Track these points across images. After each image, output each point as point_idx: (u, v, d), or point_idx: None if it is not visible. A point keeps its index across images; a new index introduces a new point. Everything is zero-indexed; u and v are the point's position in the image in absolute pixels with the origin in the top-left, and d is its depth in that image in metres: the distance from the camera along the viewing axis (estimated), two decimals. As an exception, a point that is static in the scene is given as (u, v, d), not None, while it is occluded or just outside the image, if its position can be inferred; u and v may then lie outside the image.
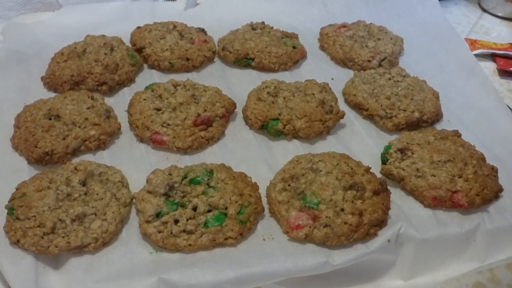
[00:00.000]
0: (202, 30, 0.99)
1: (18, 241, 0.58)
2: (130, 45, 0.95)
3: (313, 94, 0.81)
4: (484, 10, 1.30)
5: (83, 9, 1.01)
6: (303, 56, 0.97)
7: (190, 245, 0.59)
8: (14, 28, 0.95)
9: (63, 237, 0.58)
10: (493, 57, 1.10)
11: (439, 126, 0.83)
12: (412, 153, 0.71)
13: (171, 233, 0.60)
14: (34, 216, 0.59)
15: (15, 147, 0.72)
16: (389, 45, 0.96)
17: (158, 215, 0.61)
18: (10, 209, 0.60)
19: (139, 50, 0.93)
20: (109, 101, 0.82)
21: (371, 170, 0.69)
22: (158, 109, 0.77)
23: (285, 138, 0.78)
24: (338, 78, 0.93)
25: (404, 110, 0.80)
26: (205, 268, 0.57)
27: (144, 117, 0.75)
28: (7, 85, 0.83)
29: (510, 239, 0.67)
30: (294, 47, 0.96)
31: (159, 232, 0.60)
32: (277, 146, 0.77)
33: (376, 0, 1.14)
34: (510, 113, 0.88)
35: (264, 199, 0.67)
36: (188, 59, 0.91)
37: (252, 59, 0.93)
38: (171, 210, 0.62)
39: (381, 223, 0.63)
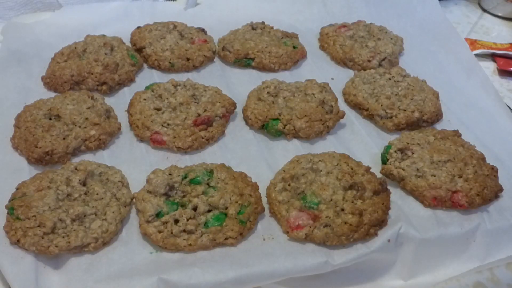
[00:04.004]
0: (202, 30, 0.99)
1: (18, 241, 0.58)
2: (130, 45, 0.95)
3: (313, 94, 0.81)
4: (484, 10, 1.30)
5: (83, 9, 1.01)
6: (303, 56, 0.97)
7: (190, 245, 0.59)
8: (14, 28, 0.95)
9: (63, 237, 0.58)
10: (493, 57, 1.09)
11: (439, 126, 0.83)
12: (412, 153, 0.71)
13: (171, 233, 0.60)
14: (34, 216, 0.59)
15: (15, 147, 0.72)
16: (389, 45, 0.97)
17: (158, 215, 0.61)
18: (10, 209, 0.60)
19: (139, 50, 0.93)
20: (109, 101, 0.82)
21: (371, 170, 0.69)
22: (158, 109, 0.77)
23: (285, 138, 0.78)
24: (338, 78, 0.93)
25: (404, 110, 0.80)
26: (205, 268, 0.57)
27: (144, 117, 0.75)
28: (7, 85, 0.83)
29: (510, 239, 0.67)
30: (294, 47, 0.96)
31: (159, 232, 0.60)
32: (277, 146, 0.77)
33: (376, 0, 1.14)
34: (510, 113, 0.88)
35: (264, 199, 0.67)
36: (188, 59, 0.91)
37: (252, 59, 0.93)
38: (171, 210, 0.62)
39: (381, 223, 0.63)
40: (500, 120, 0.86)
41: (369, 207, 0.63)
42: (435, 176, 0.68)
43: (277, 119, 0.78)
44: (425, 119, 0.81)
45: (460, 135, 0.76)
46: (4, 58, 0.88)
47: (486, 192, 0.67)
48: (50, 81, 0.84)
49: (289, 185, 0.65)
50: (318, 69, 0.96)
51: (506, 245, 0.66)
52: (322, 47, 1.02)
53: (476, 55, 1.06)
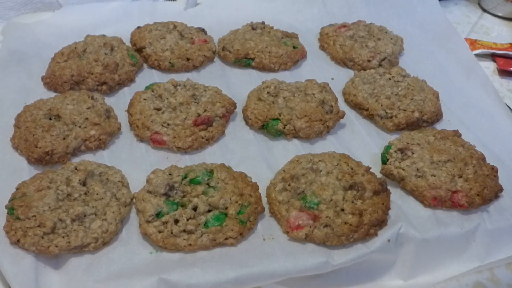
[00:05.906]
0: (202, 30, 0.99)
1: (18, 241, 0.58)
2: (130, 45, 0.95)
3: (313, 94, 0.81)
4: (484, 10, 1.30)
5: (83, 9, 1.01)
6: (303, 56, 0.97)
7: (190, 245, 0.59)
8: (14, 28, 0.95)
9: (63, 237, 0.58)
10: (493, 57, 1.10)
11: (439, 126, 0.83)
12: (412, 153, 0.71)
13: (171, 233, 0.60)
14: (34, 216, 0.59)
15: (15, 147, 0.72)
16: (389, 45, 0.97)
17: (158, 215, 0.61)
18: (10, 209, 0.60)
19: (139, 50, 0.93)
20: (109, 101, 0.82)
21: (371, 170, 0.69)
22: (158, 109, 0.77)
23: (285, 138, 0.78)
24: (338, 78, 0.93)
25: (404, 110, 0.80)
26: (205, 268, 0.57)
27: (144, 117, 0.75)
28: (7, 85, 0.83)
29: (510, 239, 0.67)
30: (294, 47, 0.96)
31: (159, 232, 0.60)
32: (277, 146, 0.77)
33: (376, 0, 1.14)
34: (510, 113, 0.88)
35: (264, 199, 0.67)
36: (188, 59, 0.91)
37: (252, 59, 0.93)
38: (171, 210, 0.62)
39: (381, 223, 0.63)
40: (500, 120, 0.86)
41: (369, 207, 0.63)
42: (435, 176, 0.68)
43: (277, 119, 0.78)
44: (425, 119, 0.81)
45: (460, 135, 0.76)
46: (4, 58, 0.88)
47: (486, 192, 0.67)
48: (50, 81, 0.84)
49: (289, 185, 0.65)
50: (318, 69, 0.96)
51: (506, 245, 0.66)
52: (322, 47, 1.02)
53: (476, 55, 1.06)
